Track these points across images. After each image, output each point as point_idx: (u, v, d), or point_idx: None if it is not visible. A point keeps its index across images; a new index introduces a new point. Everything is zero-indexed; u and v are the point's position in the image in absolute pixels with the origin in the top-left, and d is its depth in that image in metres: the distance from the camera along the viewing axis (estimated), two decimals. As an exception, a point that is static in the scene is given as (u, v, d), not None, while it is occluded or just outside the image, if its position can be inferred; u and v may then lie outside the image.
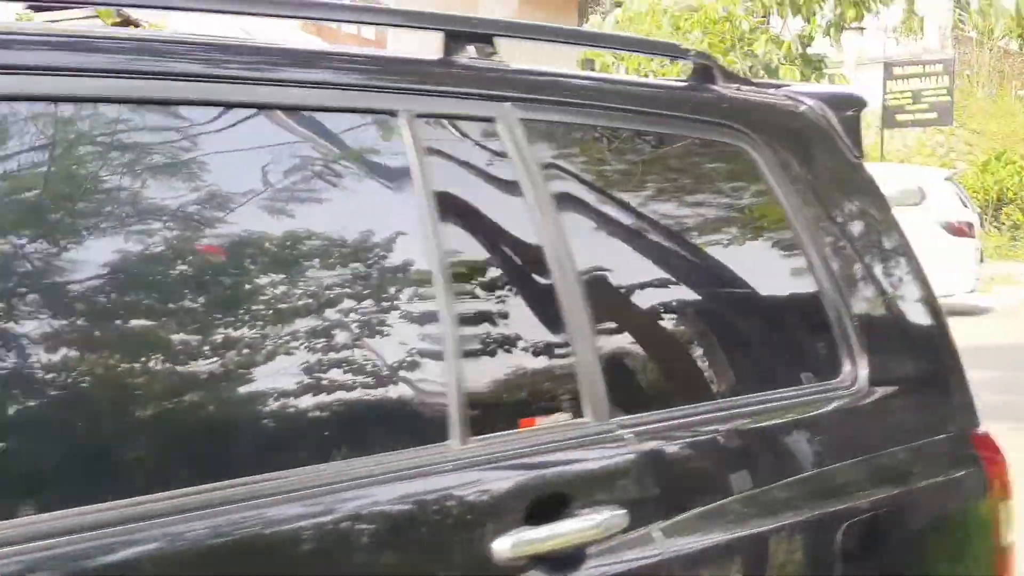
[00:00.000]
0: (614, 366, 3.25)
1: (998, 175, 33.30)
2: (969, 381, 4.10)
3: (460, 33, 3.49)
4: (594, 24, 40.26)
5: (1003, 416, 11.87)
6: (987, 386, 13.60)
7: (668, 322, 3.61)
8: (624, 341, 3.48)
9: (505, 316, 3.08)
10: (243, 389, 2.65)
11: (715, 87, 3.93)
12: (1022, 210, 33.86)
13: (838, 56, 36.19)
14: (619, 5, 39.81)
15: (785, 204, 3.76)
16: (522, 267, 3.21)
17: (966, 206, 22.11)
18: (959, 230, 21.31)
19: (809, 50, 30.31)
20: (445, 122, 3.20)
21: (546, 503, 2.93)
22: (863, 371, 3.72)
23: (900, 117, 32.45)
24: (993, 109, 38.33)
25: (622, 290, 3.49)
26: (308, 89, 2.93)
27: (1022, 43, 41.30)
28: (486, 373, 3.02)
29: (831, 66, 32.09)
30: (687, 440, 3.33)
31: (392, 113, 3.04)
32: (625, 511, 3.02)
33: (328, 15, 3.60)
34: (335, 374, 2.74)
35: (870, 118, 36.38)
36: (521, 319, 3.12)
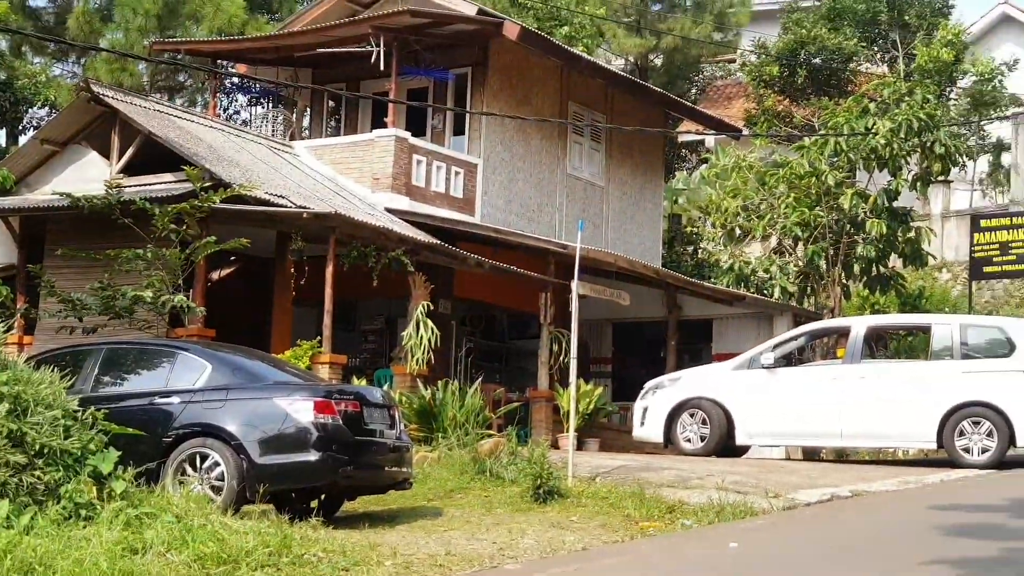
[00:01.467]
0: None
1: (1089, 325, 33.14)
2: None
3: None
4: (680, 179, 40.76)
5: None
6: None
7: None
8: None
9: None
10: None
11: None
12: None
13: (924, 209, 36.38)
14: (705, 161, 40.30)
15: None
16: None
17: None
18: None
19: (895, 204, 30.49)
20: None
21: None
22: None
23: (988, 268, 32.45)
24: (1082, 259, 38.19)
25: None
26: None
27: (1110, 193, 41.25)
28: None
29: (917, 219, 32.28)
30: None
31: None
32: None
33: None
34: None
35: (957, 270, 36.40)
36: None
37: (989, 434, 21.00)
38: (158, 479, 14.03)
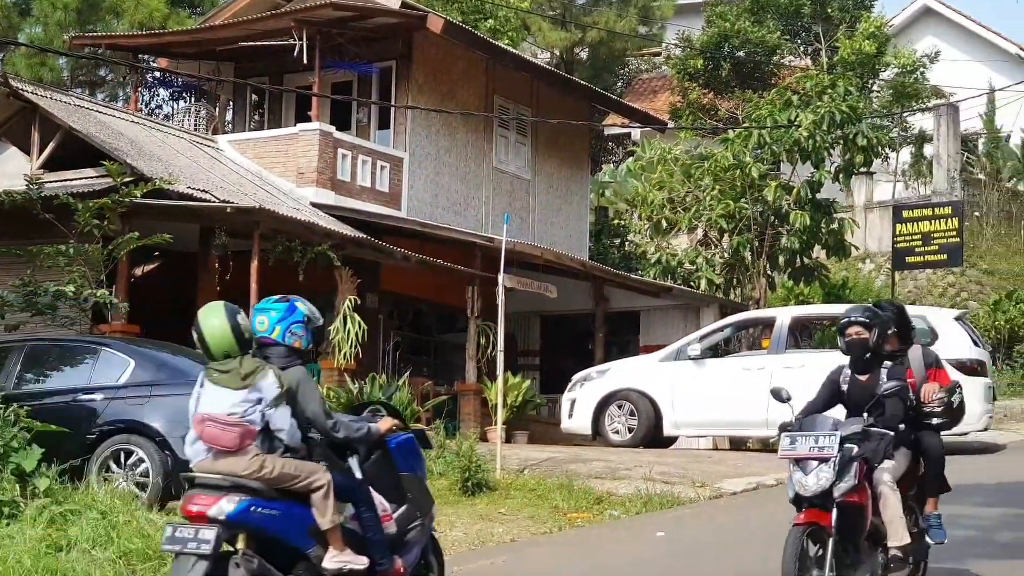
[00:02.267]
0: None
1: (1009, 314, 33.51)
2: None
3: None
4: (607, 172, 40.85)
5: (1017, 554, 12.01)
6: (1002, 524, 13.73)
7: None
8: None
9: None
10: None
11: None
12: (1034, 348, 33.99)
13: (847, 201, 36.64)
14: (631, 154, 40.40)
15: None
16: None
17: (977, 345, 22.30)
18: (971, 369, 21.47)
19: (818, 195, 30.69)
20: None
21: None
22: None
23: (910, 259, 32.70)
24: (1003, 249, 38.60)
25: None
26: None
27: (1030, 184, 41.72)
28: None
29: (840, 210, 32.49)
30: None
31: None
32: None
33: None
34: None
35: (880, 260, 36.70)
36: None
37: None
38: (82, 476, 13.91)
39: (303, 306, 9.41)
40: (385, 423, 9.31)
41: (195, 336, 9.14)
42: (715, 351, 23.10)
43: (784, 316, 22.86)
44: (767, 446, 25.38)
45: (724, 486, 17.37)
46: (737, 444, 24.96)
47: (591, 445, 23.36)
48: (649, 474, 17.54)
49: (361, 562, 8.61)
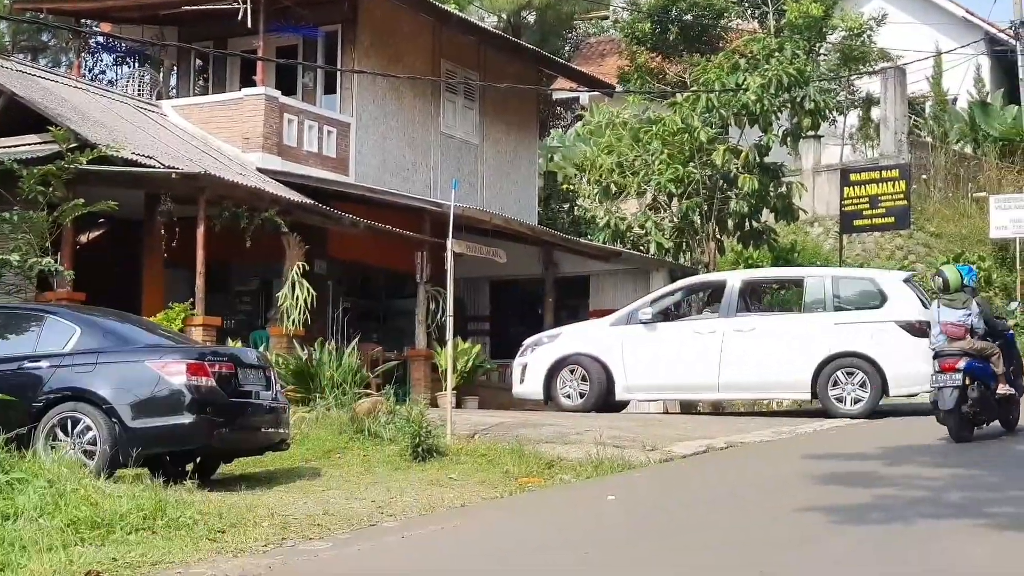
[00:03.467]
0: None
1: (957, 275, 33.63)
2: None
3: None
4: (555, 137, 40.77)
5: (964, 513, 12.05)
6: (951, 484, 13.78)
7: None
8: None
9: None
10: None
11: None
12: (982, 310, 34.18)
13: (795, 164, 36.71)
14: (579, 118, 40.35)
15: None
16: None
17: (926, 307, 22.39)
18: (920, 330, 21.58)
19: (767, 159, 30.73)
20: None
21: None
22: None
23: (858, 222, 32.81)
24: (950, 212, 38.76)
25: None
26: None
27: (976, 147, 41.85)
28: None
29: (789, 174, 32.55)
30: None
31: None
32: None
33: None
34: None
35: (828, 224, 36.81)
36: None
37: (862, 384, 21.30)
38: (29, 444, 13.78)
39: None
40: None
41: (939, 279, 17.53)
42: (666, 315, 23.07)
43: (734, 280, 22.88)
44: (718, 409, 25.50)
45: (674, 449, 17.36)
46: (688, 408, 25.00)
47: (542, 410, 23.33)
48: (600, 438, 17.51)
49: (1010, 390, 17.17)
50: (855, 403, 21.26)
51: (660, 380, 22.32)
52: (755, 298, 24.72)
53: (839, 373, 21.39)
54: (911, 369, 21.17)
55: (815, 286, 22.65)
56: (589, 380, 22.45)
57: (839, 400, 21.33)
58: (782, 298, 28.63)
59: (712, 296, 24.33)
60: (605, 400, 22.43)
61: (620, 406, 22.95)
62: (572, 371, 22.68)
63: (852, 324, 21.69)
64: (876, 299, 22.06)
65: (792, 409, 24.27)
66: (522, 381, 23.17)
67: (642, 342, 22.44)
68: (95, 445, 13.98)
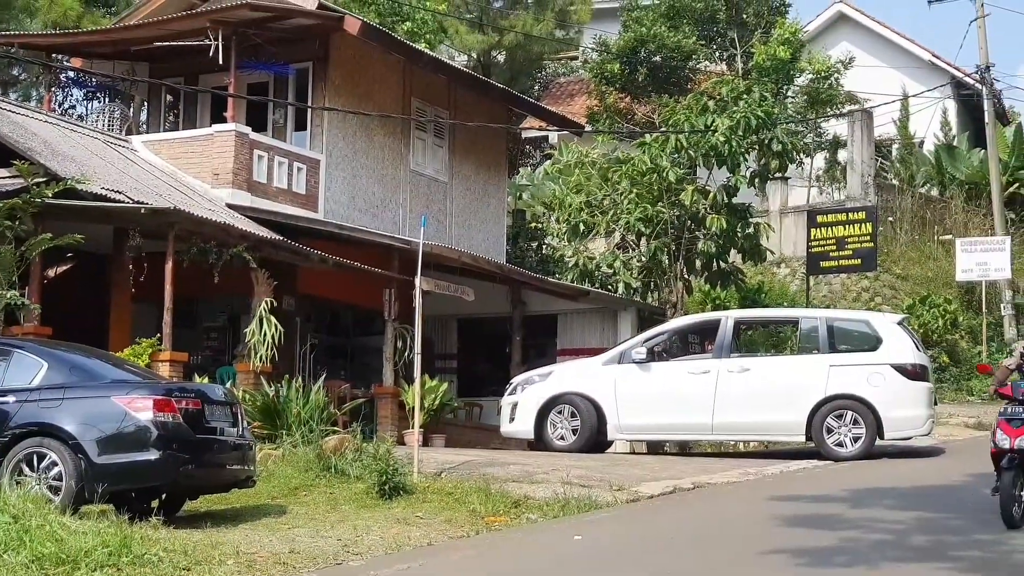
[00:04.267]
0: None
1: (923, 318, 33.84)
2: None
3: None
4: (524, 175, 40.87)
5: (929, 557, 12.11)
6: (916, 527, 13.84)
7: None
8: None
9: None
10: None
11: None
12: (947, 352, 34.35)
13: (763, 205, 36.87)
14: (548, 157, 40.45)
15: None
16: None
17: (919, 349, 22.51)
18: (914, 373, 21.73)
19: (734, 200, 30.86)
20: None
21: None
22: None
23: (825, 263, 32.98)
24: (916, 254, 38.98)
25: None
26: None
27: (942, 190, 42.12)
28: None
29: (756, 215, 32.68)
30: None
31: None
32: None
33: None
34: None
35: (795, 265, 36.96)
36: None
37: (857, 426, 21.34)
38: (-2, 480, 13.73)
39: None
40: None
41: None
42: (659, 355, 22.98)
43: (728, 319, 22.87)
44: (684, 449, 25.52)
45: (641, 489, 17.39)
46: (655, 448, 25.00)
47: (507, 448, 23.35)
48: (567, 478, 17.53)
49: None
50: (851, 444, 21.33)
51: (654, 420, 22.26)
52: (746, 339, 24.80)
53: (833, 416, 21.44)
54: (906, 412, 21.33)
55: (810, 327, 22.74)
56: (580, 420, 22.37)
57: (837, 444, 21.39)
58: (777, 339, 28.79)
59: (704, 336, 24.35)
60: (596, 440, 22.40)
61: (608, 446, 22.93)
62: (562, 411, 22.57)
63: (847, 366, 21.74)
64: (871, 341, 22.17)
65: (757, 451, 24.32)
66: (512, 420, 23.04)
67: (635, 382, 22.38)
68: (61, 480, 13.93)
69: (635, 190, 30.89)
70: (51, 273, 23.81)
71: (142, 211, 20.77)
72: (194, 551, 12.13)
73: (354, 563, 12.60)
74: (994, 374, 15.20)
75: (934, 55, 45.90)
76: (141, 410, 14.21)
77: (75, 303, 23.65)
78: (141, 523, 13.10)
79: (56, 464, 14.00)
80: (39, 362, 14.88)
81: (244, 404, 19.53)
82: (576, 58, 48.07)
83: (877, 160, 41.18)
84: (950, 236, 37.79)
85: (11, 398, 14.53)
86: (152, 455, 14.15)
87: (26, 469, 14.07)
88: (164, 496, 15.20)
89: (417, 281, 19.46)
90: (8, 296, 19.47)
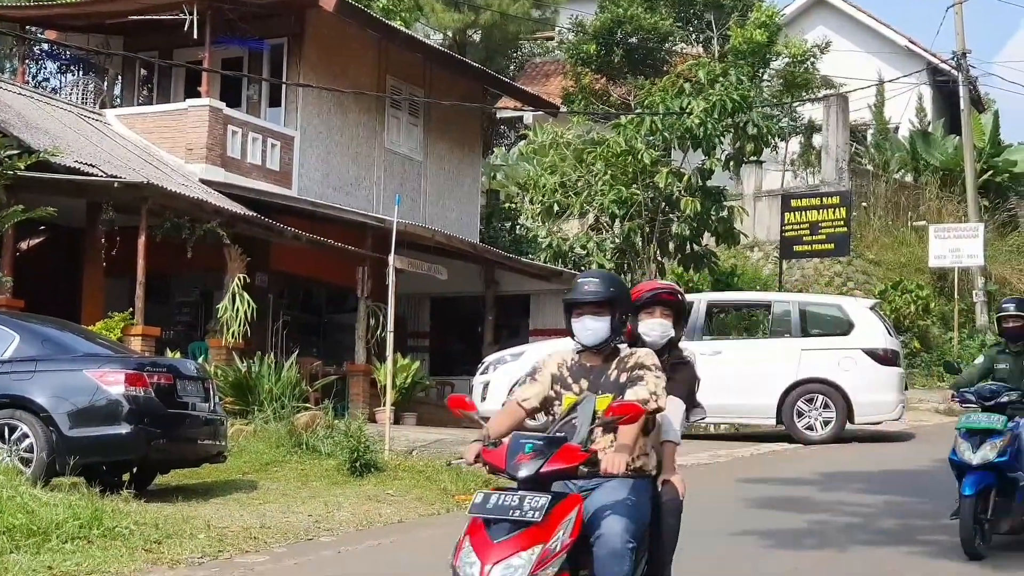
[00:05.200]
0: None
1: (895, 303, 33.97)
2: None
3: None
4: (498, 155, 40.85)
5: (898, 540, 12.17)
6: (884, 511, 13.91)
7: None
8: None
9: None
10: None
11: None
12: (919, 338, 34.49)
13: (737, 189, 36.94)
14: (523, 137, 40.42)
15: None
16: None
17: (891, 335, 22.57)
18: (885, 358, 21.79)
19: (709, 183, 30.90)
20: None
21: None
22: None
23: (798, 248, 33.05)
24: (889, 239, 39.10)
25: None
26: None
27: (916, 176, 42.24)
28: None
29: (730, 198, 32.74)
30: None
31: None
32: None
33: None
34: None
35: (768, 248, 37.04)
36: None
37: (827, 410, 21.39)
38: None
39: None
40: None
41: None
42: None
43: (701, 302, 22.85)
44: (689, 431, 25.54)
45: (612, 469, 17.41)
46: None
47: (479, 427, 23.33)
48: (537, 457, 17.53)
49: None
50: (821, 428, 21.39)
51: None
52: (718, 321, 24.79)
53: (804, 399, 21.50)
54: (877, 397, 21.40)
55: (782, 311, 22.78)
56: None
57: (807, 427, 21.45)
58: (748, 322, 28.82)
59: None
60: None
61: None
62: None
63: (819, 350, 21.79)
64: (843, 326, 22.23)
65: (729, 433, 24.39)
66: (484, 399, 23.00)
67: None
68: (32, 453, 13.90)
69: (609, 172, 30.92)
70: (24, 246, 23.73)
71: (115, 185, 20.70)
72: (165, 524, 12.12)
73: (325, 539, 12.62)
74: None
75: (911, 41, 45.97)
76: (113, 384, 14.18)
77: (48, 276, 23.57)
78: (112, 496, 13.09)
79: (27, 436, 13.96)
80: (11, 334, 14.82)
81: (216, 379, 19.49)
82: (552, 38, 48.01)
83: (852, 145, 41.26)
84: (924, 222, 37.92)
85: (-18, 370, 14.49)
86: (123, 429, 14.12)
87: (-3, 440, 14.06)
88: (135, 470, 15.18)
89: (391, 259, 19.45)
90: (-21, 268, 19.41)
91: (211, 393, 15.66)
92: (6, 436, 14.04)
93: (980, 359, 13.31)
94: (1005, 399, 11.82)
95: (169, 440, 14.65)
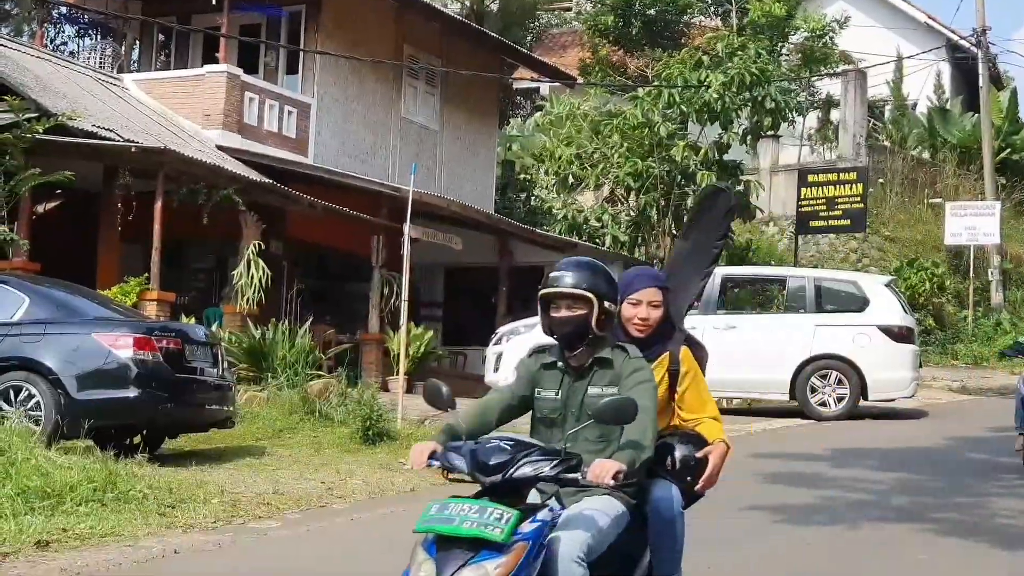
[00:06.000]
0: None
1: (910, 281, 33.90)
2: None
3: None
4: (514, 126, 40.80)
5: (909, 518, 12.18)
6: (894, 488, 13.92)
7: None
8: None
9: None
10: None
11: None
12: (934, 316, 34.45)
13: (753, 163, 36.87)
14: (539, 108, 40.37)
15: None
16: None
17: (906, 312, 22.51)
18: (900, 335, 21.74)
19: (725, 157, 30.84)
20: None
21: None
22: None
23: (814, 223, 32.97)
24: (905, 216, 39.01)
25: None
26: None
27: (934, 153, 42.13)
28: None
29: (746, 172, 32.69)
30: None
31: None
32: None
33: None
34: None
35: (784, 224, 36.99)
36: None
37: (841, 386, 21.37)
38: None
39: None
40: None
41: None
42: None
43: (715, 276, 22.72)
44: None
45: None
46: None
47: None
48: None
49: None
50: (835, 404, 21.37)
51: None
52: (733, 296, 24.74)
53: (818, 375, 21.47)
54: (890, 374, 21.35)
55: (797, 286, 22.72)
56: None
57: (820, 403, 21.43)
58: (764, 297, 28.77)
59: None
60: None
61: None
62: None
63: (833, 326, 21.74)
64: (858, 302, 22.17)
65: (741, 408, 24.39)
66: (497, 370, 22.99)
67: None
68: (40, 414, 13.93)
69: (626, 144, 30.89)
70: (40, 209, 23.77)
71: (132, 149, 20.73)
72: (179, 489, 12.17)
73: (338, 506, 12.65)
74: None
75: (930, 17, 45.82)
76: (121, 348, 14.21)
77: (64, 240, 23.61)
78: (126, 460, 13.13)
79: (36, 398, 14.01)
80: (21, 297, 14.85)
81: (230, 345, 19.58)
82: (570, 9, 47.91)
83: (869, 121, 41.17)
84: (940, 200, 37.84)
85: (-8, 332, 14.54)
86: (131, 392, 14.16)
87: (3, 403, 14.08)
88: (144, 433, 15.22)
89: (406, 228, 19.46)
90: (-3, 231, 19.45)
91: (220, 359, 15.69)
92: (13, 398, 14.08)
93: None
94: None
95: (177, 404, 14.69)
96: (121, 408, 14.26)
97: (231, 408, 15.83)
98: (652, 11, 40.02)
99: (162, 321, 18.71)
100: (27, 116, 20.05)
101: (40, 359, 14.20)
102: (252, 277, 21.72)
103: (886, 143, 42.42)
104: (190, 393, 14.96)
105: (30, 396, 14.03)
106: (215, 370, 15.42)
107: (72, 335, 14.51)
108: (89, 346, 14.32)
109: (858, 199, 32.51)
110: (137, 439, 15.09)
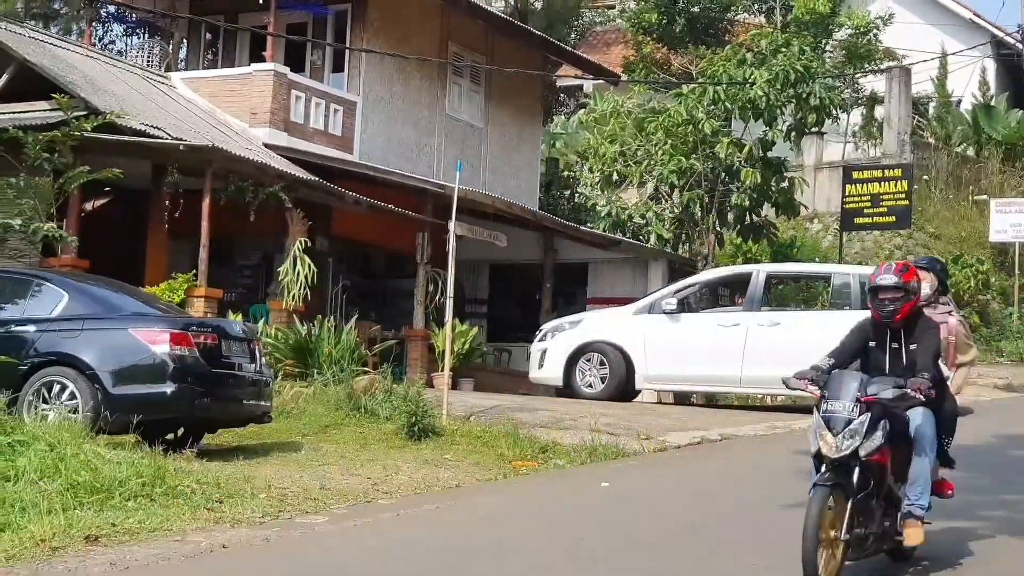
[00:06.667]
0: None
1: (955, 278, 33.73)
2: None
3: None
4: (558, 123, 40.84)
5: (956, 516, 12.17)
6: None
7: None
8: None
9: None
10: None
11: None
12: (978, 313, 34.29)
13: (797, 160, 36.77)
14: (583, 106, 40.39)
15: None
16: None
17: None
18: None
19: (769, 154, 30.79)
20: None
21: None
22: None
23: (859, 220, 32.83)
24: (950, 213, 38.83)
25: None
26: None
27: (978, 149, 41.93)
28: None
29: (791, 169, 32.61)
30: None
31: None
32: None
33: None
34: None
35: (828, 220, 36.90)
36: None
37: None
38: (18, 407, 13.87)
39: None
40: None
41: None
42: (690, 305, 22.88)
43: (760, 273, 22.71)
44: (711, 401, 25.56)
45: (669, 439, 17.47)
46: (681, 399, 25.03)
47: (535, 394, 23.44)
48: (595, 425, 17.63)
49: None
50: None
51: (682, 371, 22.13)
52: (777, 292, 24.70)
53: None
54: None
55: (841, 283, 22.63)
56: (609, 368, 22.29)
57: None
58: (807, 294, 28.71)
59: (734, 289, 24.21)
60: (624, 389, 22.33)
61: (635, 395, 22.88)
62: (591, 359, 22.49)
63: None
64: None
65: (788, 405, 24.37)
66: (541, 366, 23.02)
67: (665, 332, 22.18)
68: (77, 410, 14.03)
69: (670, 141, 30.84)
70: (89, 207, 23.98)
71: (180, 147, 20.89)
72: (226, 484, 12.27)
73: (384, 502, 12.73)
74: None
75: (975, 13, 45.55)
76: (158, 343, 14.34)
77: (113, 238, 23.81)
78: (174, 455, 13.25)
79: (73, 393, 14.15)
80: (60, 293, 15.01)
81: (276, 342, 19.72)
82: (613, 7, 47.93)
83: (914, 118, 40.98)
84: (985, 196, 37.66)
85: (32, 327, 14.70)
86: (167, 388, 14.30)
87: (45, 397, 14.22)
88: (181, 429, 15.31)
89: (451, 225, 19.53)
90: (46, 228, 19.64)
91: (257, 354, 15.79)
92: (53, 393, 14.21)
93: None
94: None
95: (213, 400, 14.80)
96: (157, 403, 14.37)
97: (268, 403, 15.93)
98: (696, 8, 40.01)
99: (200, 317, 18.85)
100: (76, 114, 20.24)
101: (78, 354, 14.35)
102: (298, 274, 21.86)
103: (930, 140, 42.22)
104: (227, 388, 15.08)
105: (69, 392, 14.18)
106: (252, 365, 15.52)
107: (110, 331, 14.65)
108: (126, 342, 14.47)
109: (903, 196, 32.34)
110: (173, 435, 15.19)
